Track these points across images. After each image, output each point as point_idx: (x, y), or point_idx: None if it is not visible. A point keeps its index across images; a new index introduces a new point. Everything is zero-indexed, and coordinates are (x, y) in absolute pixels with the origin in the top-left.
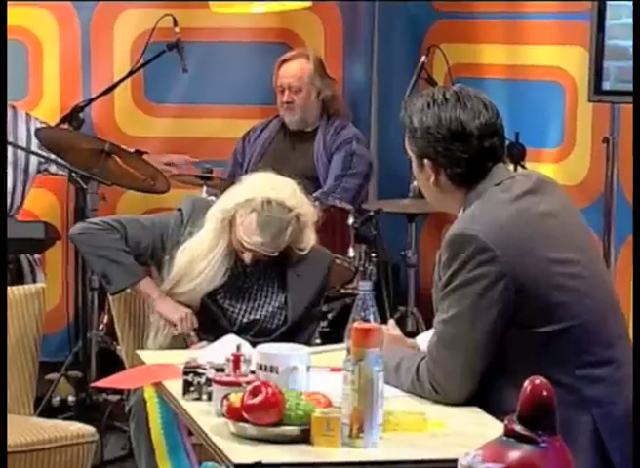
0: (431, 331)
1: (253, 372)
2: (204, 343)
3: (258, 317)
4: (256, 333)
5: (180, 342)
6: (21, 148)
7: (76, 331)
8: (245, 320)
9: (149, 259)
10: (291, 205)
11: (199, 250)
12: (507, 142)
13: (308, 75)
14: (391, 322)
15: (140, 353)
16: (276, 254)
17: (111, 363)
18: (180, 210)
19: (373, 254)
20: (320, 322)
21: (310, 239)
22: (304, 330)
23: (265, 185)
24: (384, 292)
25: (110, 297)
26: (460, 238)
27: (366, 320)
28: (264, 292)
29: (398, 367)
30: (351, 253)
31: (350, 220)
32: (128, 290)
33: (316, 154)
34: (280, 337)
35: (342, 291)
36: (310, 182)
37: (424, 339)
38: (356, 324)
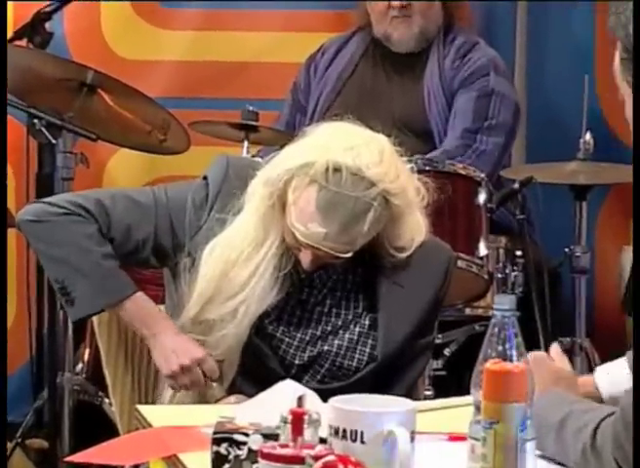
0: (623, 366)
1: (324, 441)
2: (233, 399)
3: (328, 350)
4: (326, 377)
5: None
6: None
7: (39, 373)
8: (308, 355)
9: (152, 259)
10: (374, 176)
11: (238, 248)
12: None
13: None
14: (555, 347)
15: (143, 409)
16: (349, 255)
17: (95, 424)
18: (205, 179)
19: (518, 253)
20: (430, 359)
21: (414, 232)
22: (406, 371)
23: (334, 142)
24: (537, 313)
25: (94, 320)
26: None
27: (506, 357)
28: (340, 312)
29: (562, 425)
30: (482, 250)
31: (481, 198)
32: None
33: (427, 92)
34: (365, 383)
35: (468, 311)
36: (417, 139)
37: (613, 378)
38: (490, 364)
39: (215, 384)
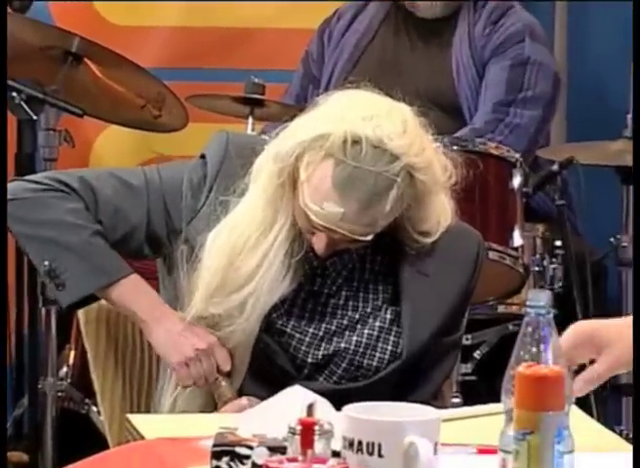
0: None
1: (337, 454)
2: (244, 400)
3: (345, 347)
4: (343, 378)
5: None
6: None
7: (19, 377)
8: (322, 353)
9: (146, 248)
10: (397, 148)
11: (244, 234)
12: None
13: None
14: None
15: (135, 418)
16: (369, 239)
17: (80, 436)
18: (203, 157)
19: (557, 243)
20: (458, 361)
21: (440, 214)
22: (431, 372)
23: (351, 112)
24: (579, 310)
25: (81, 317)
26: None
27: (540, 360)
28: (358, 305)
29: None
30: (517, 239)
31: (516, 181)
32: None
33: (456, 62)
34: (387, 384)
35: (501, 309)
36: (444, 115)
37: None
38: (523, 368)
39: (224, 382)
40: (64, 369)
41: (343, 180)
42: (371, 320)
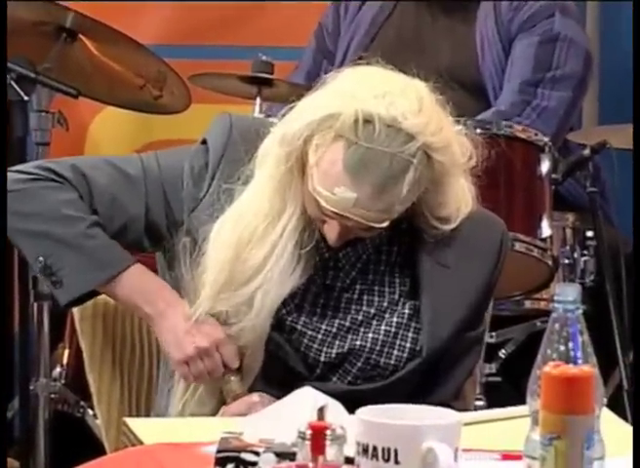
0: None
1: (350, 460)
2: (256, 397)
3: (361, 345)
4: (358, 377)
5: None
6: None
7: (9, 378)
8: (336, 351)
9: (145, 240)
10: (413, 127)
11: (251, 224)
12: None
13: None
14: None
15: (133, 422)
16: (384, 226)
17: (75, 440)
18: (204, 143)
19: (589, 233)
20: (481, 360)
21: (460, 199)
22: (452, 370)
23: (363, 90)
24: (611, 306)
25: (76, 314)
26: None
27: (569, 359)
28: (373, 299)
29: None
30: (546, 230)
31: (544, 167)
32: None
33: (480, 38)
34: (405, 384)
35: (528, 305)
36: (467, 95)
37: None
38: (550, 367)
39: (233, 377)
40: (58, 369)
41: (356, 163)
42: (387, 315)
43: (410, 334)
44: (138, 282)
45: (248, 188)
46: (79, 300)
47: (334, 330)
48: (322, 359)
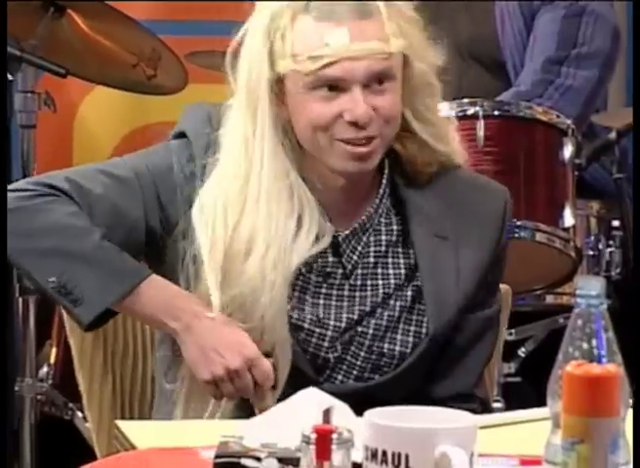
0: None
1: (358, 466)
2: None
3: (361, 331)
4: (364, 370)
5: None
6: None
7: None
8: (341, 346)
9: (146, 249)
10: None
11: (232, 187)
12: None
13: None
14: None
15: (125, 425)
16: (397, 50)
17: (64, 445)
18: (181, 136)
19: (615, 223)
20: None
21: (447, 131)
22: (467, 353)
23: None
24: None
25: (65, 311)
26: None
27: (592, 358)
28: (377, 284)
29: None
30: (569, 219)
31: (567, 151)
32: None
33: (500, 12)
34: (417, 372)
35: (550, 299)
36: (486, 72)
37: None
38: (572, 366)
39: (268, 392)
40: (45, 368)
41: (323, 8)
42: (392, 301)
43: (413, 317)
44: (158, 292)
45: (220, 153)
46: (101, 319)
47: (342, 324)
48: (330, 356)
